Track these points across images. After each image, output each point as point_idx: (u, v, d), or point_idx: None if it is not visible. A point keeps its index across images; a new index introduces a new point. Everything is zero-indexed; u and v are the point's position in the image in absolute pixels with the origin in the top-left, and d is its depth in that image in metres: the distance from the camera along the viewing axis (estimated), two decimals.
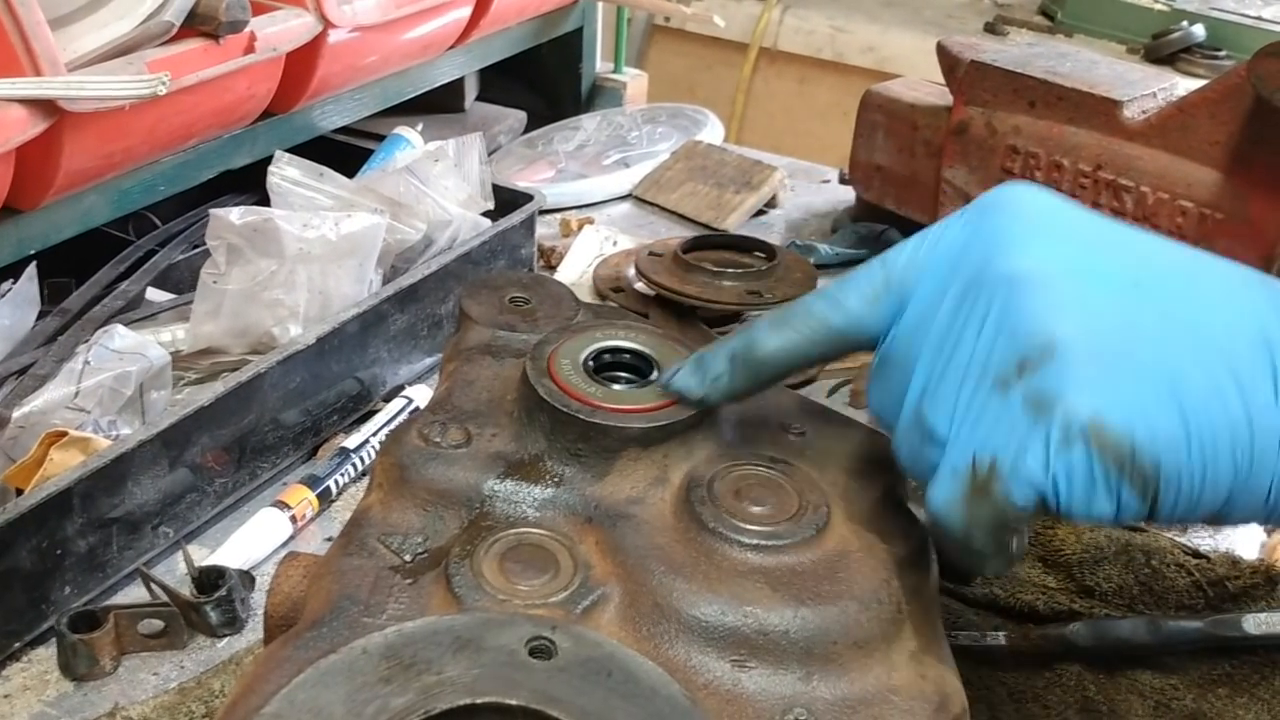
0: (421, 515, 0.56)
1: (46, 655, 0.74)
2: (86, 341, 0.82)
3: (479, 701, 0.43)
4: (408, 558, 0.53)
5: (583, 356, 0.60)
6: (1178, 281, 0.47)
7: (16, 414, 0.76)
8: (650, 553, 0.52)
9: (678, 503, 0.54)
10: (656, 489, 0.55)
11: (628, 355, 0.61)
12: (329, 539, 0.85)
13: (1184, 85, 0.95)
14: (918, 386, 0.49)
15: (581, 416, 0.56)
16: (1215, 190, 0.87)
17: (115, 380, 0.79)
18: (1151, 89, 0.94)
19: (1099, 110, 0.93)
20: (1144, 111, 0.92)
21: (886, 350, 0.52)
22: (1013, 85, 0.97)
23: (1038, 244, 0.48)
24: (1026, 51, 1.02)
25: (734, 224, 1.30)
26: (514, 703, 0.43)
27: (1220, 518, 0.46)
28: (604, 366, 0.61)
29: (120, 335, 0.81)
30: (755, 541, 0.51)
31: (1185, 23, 2.11)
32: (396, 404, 0.95)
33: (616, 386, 0.59)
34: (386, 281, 0.99)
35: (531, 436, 0.58)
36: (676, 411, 0.57)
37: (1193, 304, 0.46)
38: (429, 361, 1.02)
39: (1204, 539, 0.86)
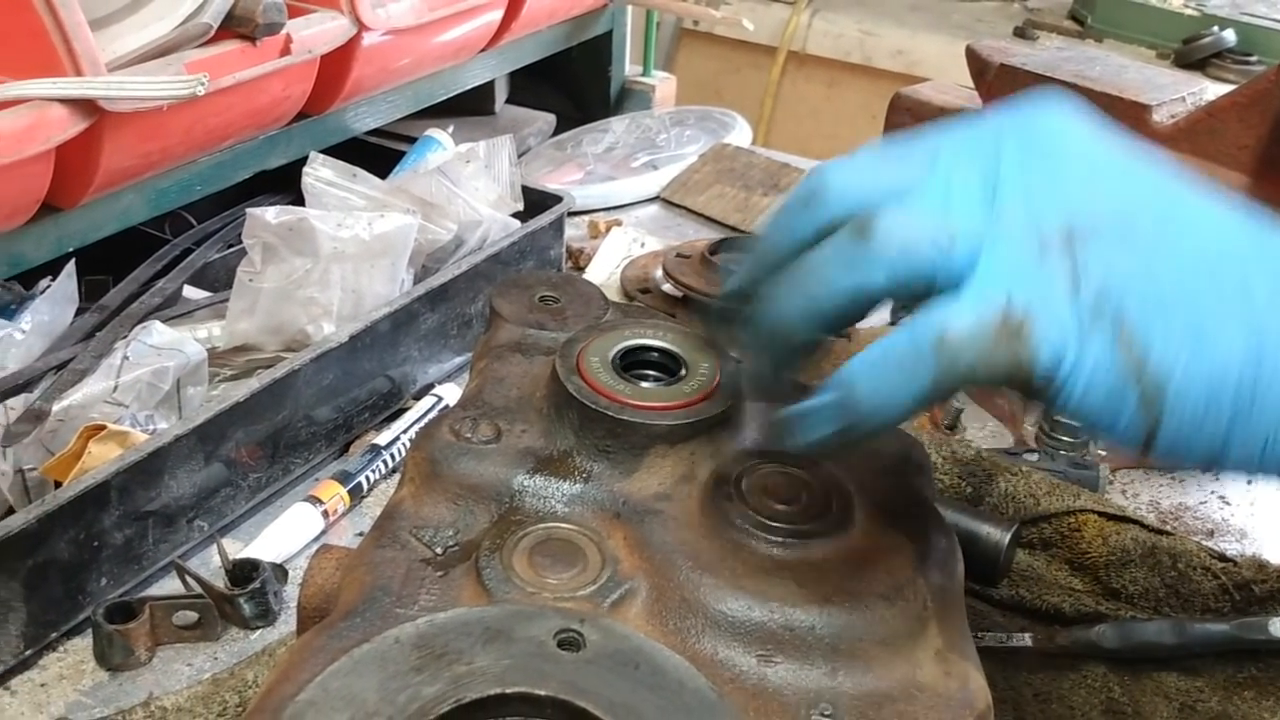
0: (452, 509, 0.56)
1: (83, 645, 0.75)
2: (124, 338, 0.83)
3: (508, 691, 0.44)
4: (439, 550, 0.54)
5: (611, 354, 0.61)
6: (1207, 223, 0.46)
7: (56, 408, 0.78)
8: (677, 548, 0.53)
9: (704, 499, 0.55)
10: (684, 485, 0.56)
11: (656, 353, 0.62)
12: (360, 534, 0.86)
13: (1213, 90, 0.94)
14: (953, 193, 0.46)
15: (610, 413, 0.57)
16: (1245, 195, 0.87)
17: (153, 375, 0.80)
18: (1180, 93, 0.94)
19: (1128, 114, 0.93)
20: (1173, 116, 0.92)
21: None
22: (1042, 88, 0.97)
23: (1094, 137, 0.47)
24: (1055, 55, 1.02)
25: (759, 224, 1.30)
26: (543, 693, 0.44)
27: (1214, 462, 0.44)
28: (632, 364, 0.62)
29: (158, 331, 0.82)
30: (781, 539, 0.52)
31: (1216, 28, 2.10)
32: (426, 402, 0.96)
33: (644, 384, 0.60)
34: (418, 281, 1.00)
35: (561, 433, 0.59)
36: (703, 409, 0.58)
37: (1220, 242, 0.45)
38: (458, 360, 1.03)
39: (1231, 543, 0.86)
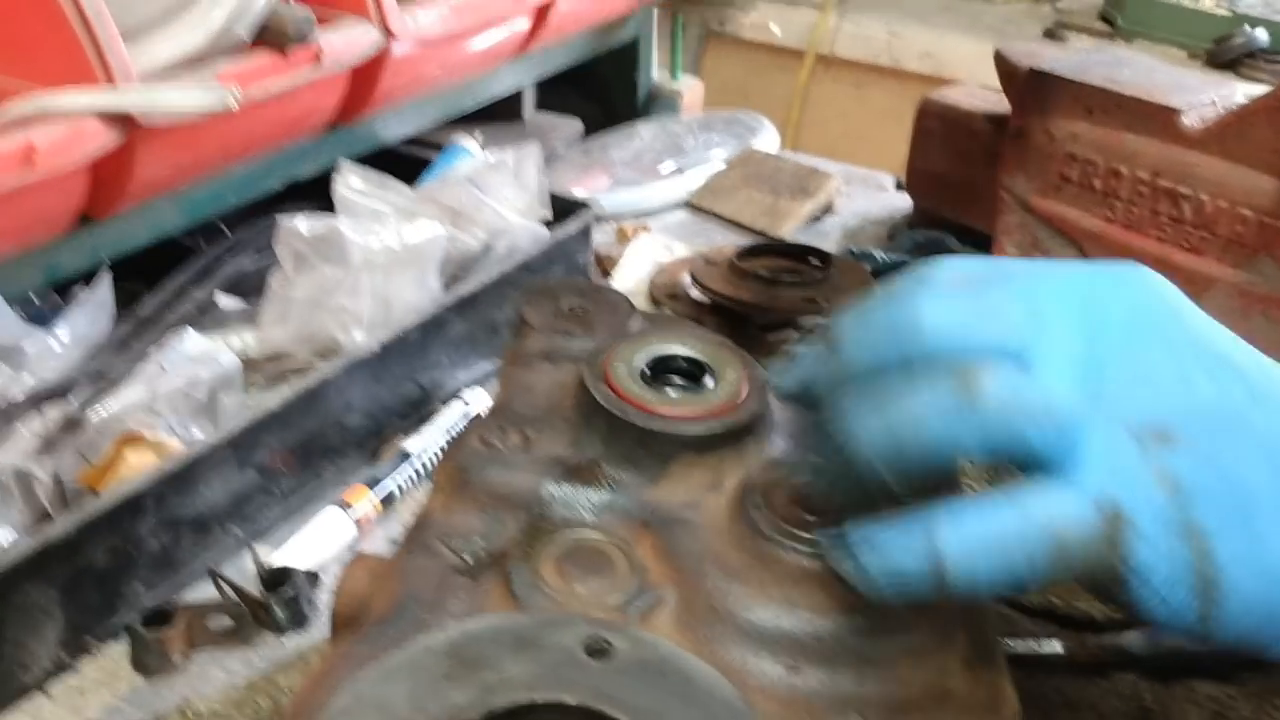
0: (482, 518, 0.57)
1: (119, 651, 0.76)
2: (160, 346, 0.84)
3: (538, 700, 0.45)
4: (468, 559, 0.55)
5: (639, 363, 0.61)
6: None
7: (93, 417, 0.79)
8: (705, 557, 0.53)
9: (733, 508, 0.55)
10: (711, 494, 0.56)
11: (683, 362, 0.62)
12: (391, 540, 0.87)
13: (1244, 91, 0.94)
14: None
15: (638, 422, 0.57)
16: (1276, 198, 0.86)
17: (188, 385, 0.81)
18: (1210, 96, 0.94)
19: (1157, 117, 0.93)
20: (1203, 119, 0.92)
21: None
22: (1071, 92, 0.97)
23: (1186, 323, 0.47)
24: (1085, 58, 1.02)
25: (789, 231, 1.30)
26: (573, 701, 0.44)
27: (1266, 650, 0.45)
28: (659, 372, 0.62)
29: (192, 340, 0.83)
30: (810, 548, 0.52)
31: (1248, 27, 2.08)
32: (455, 408, 0.97)
33: (671, 392, 0.60)
34: (447, 289, 1.01)
35: (588, 441, 0.59)
36: (731, 417, 0.58)
37: None
38: (486, 367, 1.04)
39: None
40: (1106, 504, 0.44)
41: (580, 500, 0.57)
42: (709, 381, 0.61)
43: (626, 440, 0.57)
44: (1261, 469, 0.44)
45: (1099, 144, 0.96)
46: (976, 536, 0.44)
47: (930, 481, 0.46)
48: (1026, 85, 1.00)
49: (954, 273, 0.49)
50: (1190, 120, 0.92)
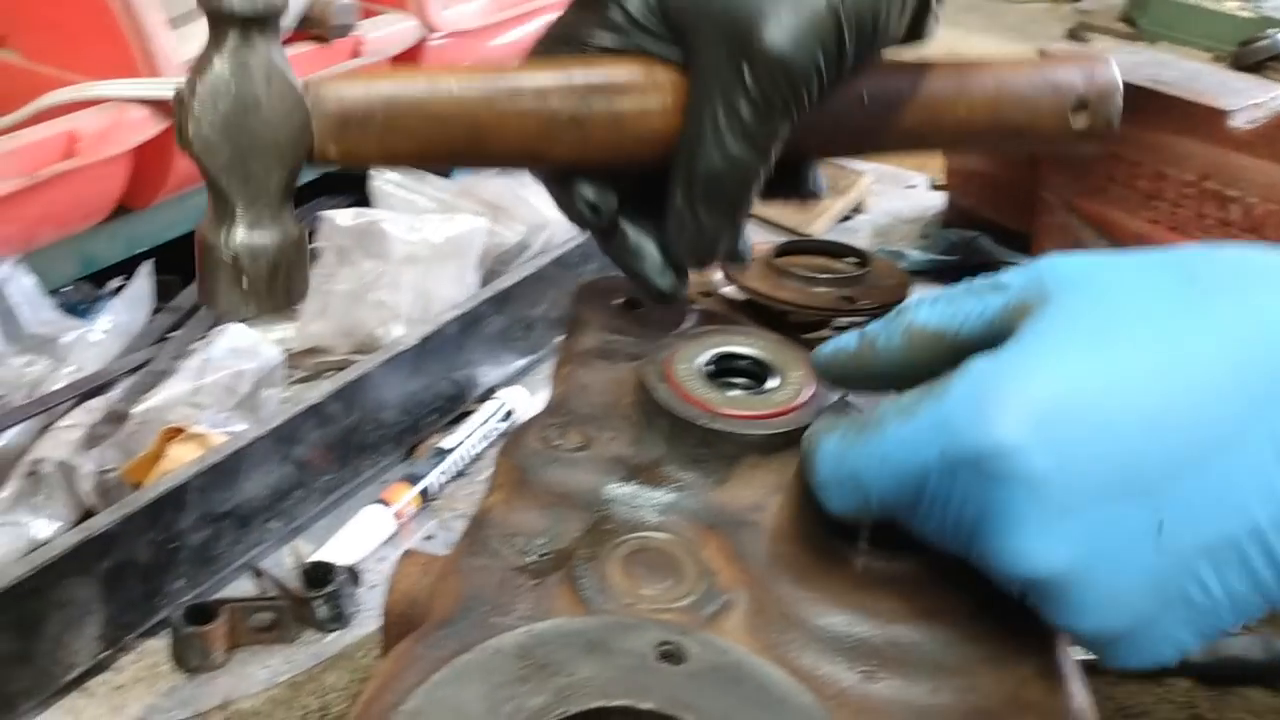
0: (543, 517, 0.56)
1: (159, 647, 0.75)
2: (200, 339, 0.83)
3: (613, 704, 0.44)
4: (531, 559, 0.54)
5: (701, 362, 0.60)
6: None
7: (135, 410, 0.78)
8: (774, 560, 0.52)
9: (800, 510, 0.54)
10: (778, 496, 0.55)
11: (745, 361, 0.61)
12: (428, 536, 0.86)
13: None
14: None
15: (702, 422, 0.56)
16: None
17: (231, 378, 0.80)
18: (1258, 98, 0.93)
19: (1205, 120, 0.92)
20: (1251, 121, 0.91)
21: None
22: None
23: None
24: (1129, 60, 1.01)
25: (820, 229, 1.29)
26: (647, 706, 0.44)
27: None
28: (719, 372, 0.61)
29: (235, 335, 0.83)
30: (882, 552, 0.51)
31: (1272, 30, 2.07)
32: (490, 406, 0.96)
33: (734, 392, 0.59)
34: (484, 284, 1.00)
35: (651, 441, 0.58)
36: (797, 418, 0.57)
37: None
38: (520, 363, 1.03)
39: None
40: None
41: (644, 501, 0.56)
42: (772, 381, 0.60)
43: (690, 441, 0.57)
44: None
45: (1145, 145, 0.95)
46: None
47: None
48: None
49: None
50: (1238, 123, 0.91)
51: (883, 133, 0.65)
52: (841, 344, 0.53)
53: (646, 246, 0.61)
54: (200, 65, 0.50)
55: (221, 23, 0.50)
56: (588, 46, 0.59)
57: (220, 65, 0.50)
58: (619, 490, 0.56)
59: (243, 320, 0.75)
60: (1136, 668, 0.43)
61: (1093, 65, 0.67)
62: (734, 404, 0.57)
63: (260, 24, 0.50)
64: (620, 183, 0.60)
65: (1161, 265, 0.44)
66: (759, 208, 1.36)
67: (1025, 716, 0.47)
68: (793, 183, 0.64)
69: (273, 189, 0.52)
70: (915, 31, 0.61)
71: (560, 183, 0.60)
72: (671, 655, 0.46)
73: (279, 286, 0.53)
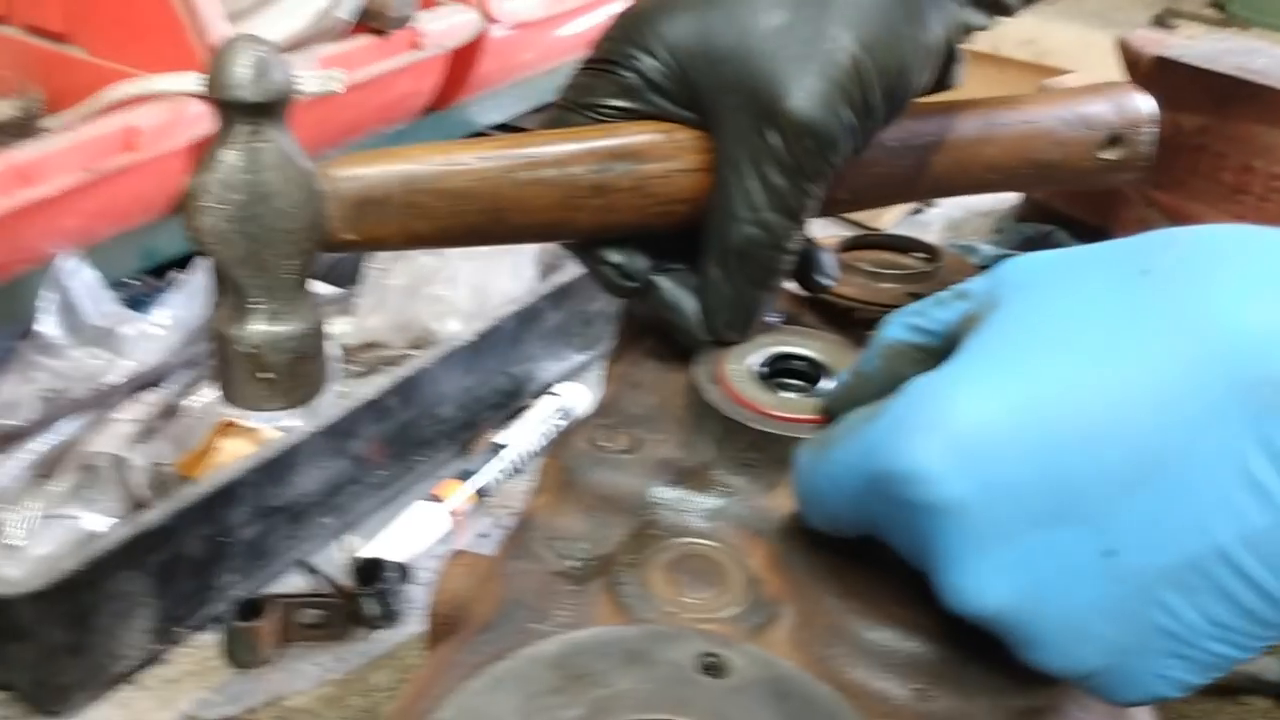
0: (587, 520, 0.54)
1: (209, 642, 0.75)
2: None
3: (651, 719, 0.42)
4: (574, 563, 0.52)
5: (754, 363, 0.58)
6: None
7: (188, 403, 0.78)
8: (823, 571, 0.50)
9: None
10: None
11: (800, 362, 0.59)
12: (481, 535, 0.85)
13: None
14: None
15: (754, 425, 0.54)
16: None
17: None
18: None
19: None
20: None
21: None
22: (1201, 82, 0.92)
23: None
24: (1215, 47, 0.97)
25: (890, 223, 1.26)
26: None
27: None
28: (774, 373, 0.59)
29: None
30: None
31: None
32: (548, 403, 0.95)
33: (787, 394, 0.57)
34: (543, 279, 0.99)
35: (701, 444, 0.56)
36: None
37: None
38: (579, 359, 1.02)
39: None
40: None
41: (691, 506, 0.54)
42: (826, 383, 0.58)
43: (741, 444, 0.55)
44: None
45: (1230, 137, 0.91)
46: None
47: None
48: (1152, 74, 0.95)
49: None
50: None
51: (910, 181, 0.64)
52: (842, 378, 0.52)
53: (684, 301, 0.59)
54: (209, 157, 0.48)
55: (231, 112, 0.48)
56: (603, 111, 0.57)
57: (232, 157, 0.48)
58: (666, 494, 0.54)
59: (265, 413, 0.73)
60: (1139, 703, 0.40)
61: (1124, 96, 0.66)
62: (787, 406, 0.55)
63: (270, 111, 0.49)
64: (648, 243, 0.59)
65: (1115, 257, 0.40)
66: None
67: None
68: (801, 271, 0.62)
69: (290, 278, 0.51)
70: (943, 82, 0.59)
71: (587, 251, 0.59)
72: (714, 668, 0.45)
73: (300, 377, 0.52)
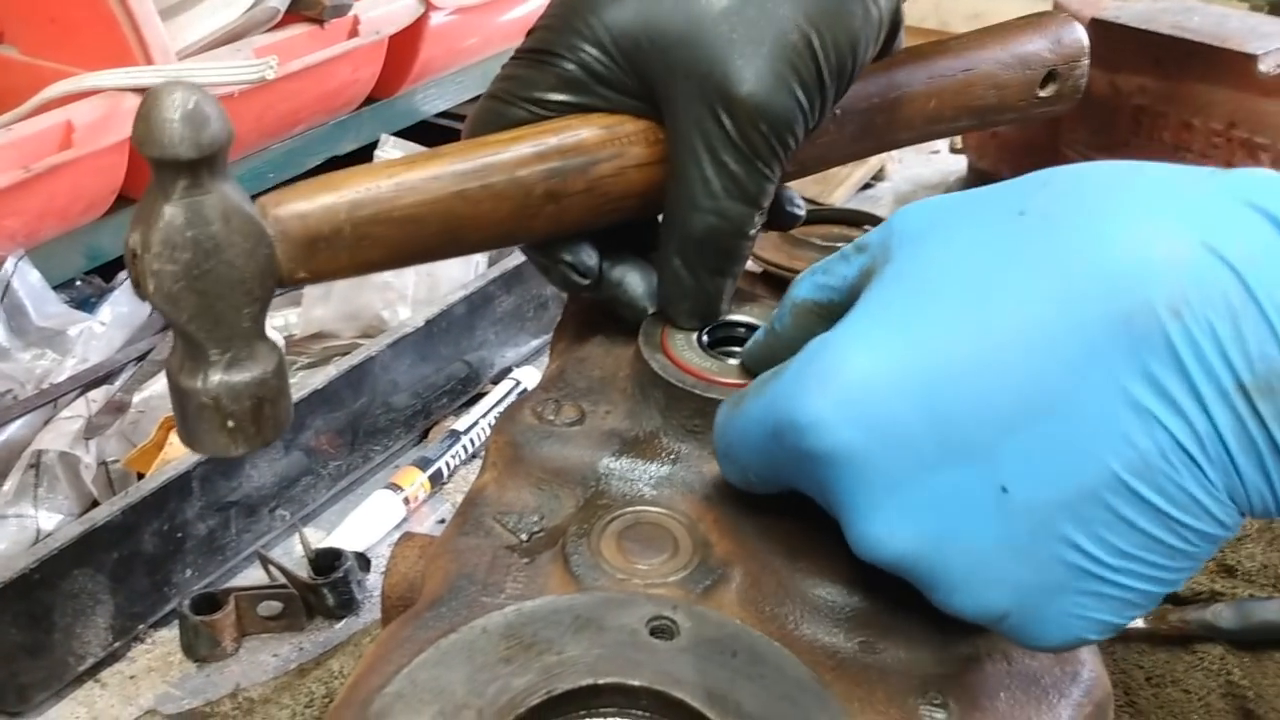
0: (536, 494, 0.55)
1: (170, 637, 0.75)
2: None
3: (601, 682, 0.42)
4: (524, 537, 0.52)
5: (697, 331, 0.59)
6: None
7: (136, 399, 0.78)
8: (770, 531, 0.51)
9: None
10: None
11: (743, 329, 0.60)
12: (441, 520, 0.85)
13: None
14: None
15: (697, 391, 0.55)
16: None
17: None
18: None
19: (1232, 66, 0.88)
20: None
21: None
22: (1138, 43, 0.93)
23: None
24: (1151, 7, 0.98)
25: (841, 198, 1.27)
26: (637, 684, 0.42)
27: None
28: (718, 341, 0.59)
29: None
30: None
31: None
32: (505, 386, 0.95)
33: (732, 361, 0.58)
34: (492, 264, 0.99)
35: (646, 413, 0.56)
36: None
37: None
38: (535, 343, 1.02)
39: None
40: None
41: (639, 474, 0.54)
42: None
43: (686, 411, 0.55)
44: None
45: (1169, 96, 0.92)
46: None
47: None
48: (1090, 37, 0.96)
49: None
50: (1267, 67, 0.87)
51: (853, 142, 0.64)
52: (757, 334, 0.53)
53: (636, 288, 0.59)
54: (149, 215, 0.46)
55: (168, 170, 0.46)
56: (546, 105, 0.55)
57: (172, 213, 0.45)
58: (614, 464, 0.54)
59: (229, 458, 0.71)
60: (1061, 647, 0.40)
61: (1059, 29, 0.66)
62: (729, 372, 0.56)
63: (209, 164, 0.46)
64: (597, 236, 0.58)
65: (995, 200, 0.41)
66: None
67: (1033, 685, 0.45)
68: (773, 210, 0.61)
69: (245, 325, 0.49)
70: (886, 51, 0.60)
71: (539, 250, 0.58)
72: (663, 630, 0.45)
73: (264, 420, 0.50)
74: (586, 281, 0.58)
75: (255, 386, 0.49)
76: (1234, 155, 0.90)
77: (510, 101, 0.56)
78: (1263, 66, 0.87)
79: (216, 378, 0.48)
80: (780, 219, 0.63)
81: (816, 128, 0.56)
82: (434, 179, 0.53)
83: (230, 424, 0.49)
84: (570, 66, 0.55)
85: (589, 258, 0.58)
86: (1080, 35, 0.66)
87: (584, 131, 0.56)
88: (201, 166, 0.46)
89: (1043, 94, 0.66)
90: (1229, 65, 0.88)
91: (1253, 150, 0.88)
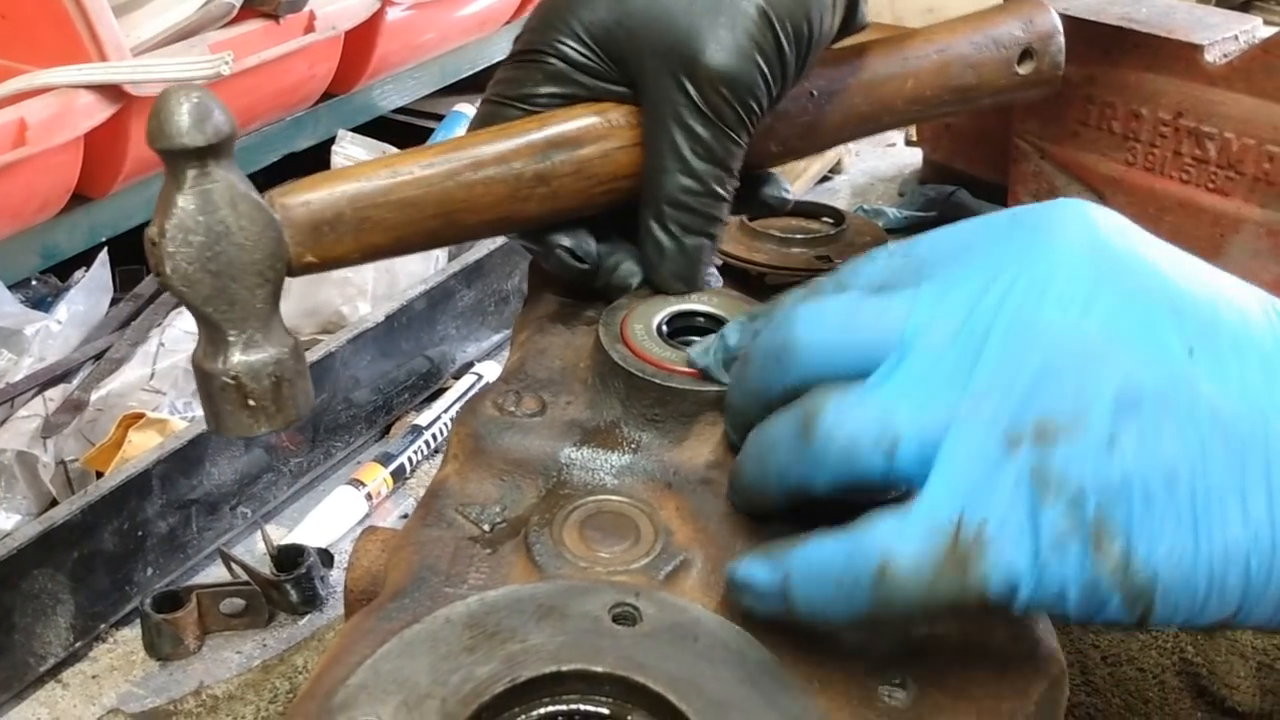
0: (499, 485, 0.55)
1: (132, 636, 0.74)
2: (160, 325, 0.82)
3: (565, 669, 0.43)
4: (487, 528, 0.53)
5: (656, 321, 0.59)
6: (1228, 356, 0.40)
7: (94, 397, 0.77)
8: (732, 518, 0.51)
9: None
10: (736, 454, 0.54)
11: (702, 319, 0.60)
12: (404, 516, 0.85)
13: (1266, 27, 0.91)
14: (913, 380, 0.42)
15: (657, 381, 0.55)
16: None
17: (189, 362, 0.79)
18: (1233, 31, 0.91)
19: (1179, 56, 0.90)
20: (1226, 55, 0.89)
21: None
22: (1086, 34, 0.94)
23: (1095, 298, 0.41)
24: (1100, 0, 0.99)
25: (799, 191, 1.28)
26: (600, 670, 0.43)
27: (1226, 625, 0.40)
28: (678, 331, 0.60)
29: (191, 317, 0.81)
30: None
31: None
32: (466, 380, 0.95)
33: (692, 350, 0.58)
34: (452, 258, 0.99)
35: (607, 403, 0.57)
36: None
37: (1235, 389, 0.39)
38: (497, 338, 1.02)
39: None
40: (946, 523, 0.39)
41: (600, 464, 0.55)
42: None
43: (646, 401, 0.55)
44: (1203, 441, 0.38)
45: (1118, 86, 0.94)
46: (813, 565, 0.42)
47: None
48: None
49: (870, 273, 0.47)
50: (1213, 57, 0.89)
51: (837, 125, 0.67)
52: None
53: (633, 275, 0.61)
54: (164, 205, 0.50)
55: (177, 159, 0.50)
56: (536, 100, 0.60)
57: (184, 201, 0.50)
58: (575, 454, 0.55)
59: (256, 438, 0.75)
60: None
61: (1031, 12, 0.68)
62: (690, 362, 0.56)
63: (215, 152, 0.50)
64: (594, 225, 0.61)
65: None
66: None
67: (989, 665, 0.46)
68: (754, 195, 0.65)
69: (259, 307, 0.52)
70: (849, 23, 0.62)
71: (537, 238, 0.61)
72: (625, 617, 0.45)
73: (285, 399, 0.54)
74: (585, 266, 0.61)
75: (273, 365, 0.53)
76: (1181, 143, 0.91)
77: (503, 102, 0.60)
78: (1209, 56, 0.89)
79: (236, 358, 0.52)
80: (765, 201, 0.67)
81: (781, 95, 0.59)
82: (429, 167, 0.56)
83: (251, 403, 0.53)
84: (553, 61, 0.59)
85: (586, 243, 0.60)
86: (1052, 16, 0.69)
87: (570, 121, 0.59)
88: (208, 155, 0.50)
89: (1021, 71, 0.68)
90: (1176, 56, 0.90)
91: (1199, 139, 0.90)
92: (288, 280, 0.84)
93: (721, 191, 0.58)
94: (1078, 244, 0.42)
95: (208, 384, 0.53)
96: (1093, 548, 0.38)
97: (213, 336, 0.53)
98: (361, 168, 0.56)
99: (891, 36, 0.67)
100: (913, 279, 0.44)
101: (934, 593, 0.40)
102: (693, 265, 0.60)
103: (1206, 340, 0.40)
